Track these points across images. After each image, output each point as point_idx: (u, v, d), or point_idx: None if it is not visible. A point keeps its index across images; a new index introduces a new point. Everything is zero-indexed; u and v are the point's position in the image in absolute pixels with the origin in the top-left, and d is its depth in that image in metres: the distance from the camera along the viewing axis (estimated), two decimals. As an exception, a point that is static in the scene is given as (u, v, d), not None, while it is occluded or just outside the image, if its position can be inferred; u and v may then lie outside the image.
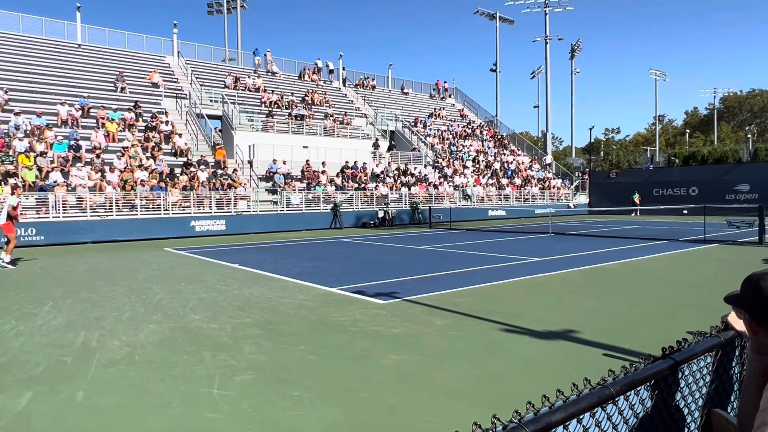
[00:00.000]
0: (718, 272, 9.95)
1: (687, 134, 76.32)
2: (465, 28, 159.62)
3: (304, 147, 27.75)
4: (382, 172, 29.38)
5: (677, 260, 11.54)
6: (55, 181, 18.69)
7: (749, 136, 57.91)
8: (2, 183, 17.64)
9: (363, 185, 27.07)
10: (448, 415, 3.58)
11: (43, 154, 19.70)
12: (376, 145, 31.86)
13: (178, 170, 22.18)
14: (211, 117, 28.22)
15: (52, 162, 19.77)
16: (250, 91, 32.28)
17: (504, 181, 34.53)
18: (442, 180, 31.48)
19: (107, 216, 18.62)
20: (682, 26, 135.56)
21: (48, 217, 17.62)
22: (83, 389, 4.16)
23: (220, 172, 23.38)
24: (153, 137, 23.89)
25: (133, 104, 25.63)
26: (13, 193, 11.81)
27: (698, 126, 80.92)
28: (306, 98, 33.67)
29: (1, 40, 27.65)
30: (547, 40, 52.34)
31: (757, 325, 1.46)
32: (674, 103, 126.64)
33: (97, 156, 20.97)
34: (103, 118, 23.47)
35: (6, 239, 11.45)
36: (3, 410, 3.77)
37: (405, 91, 44.06)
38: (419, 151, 34.33)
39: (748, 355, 1.57)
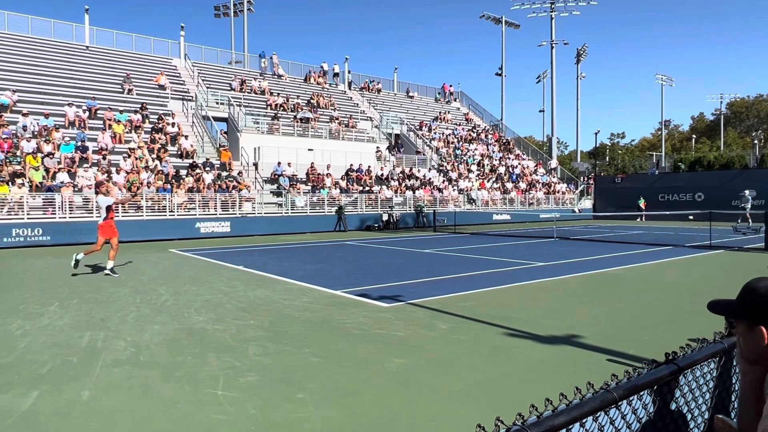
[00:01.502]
0: (724, 279, 9.90)
1: (693, 139, 76.01)
2: (471, 32, 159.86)
3: (309, 150, 27.83)
4: (387, 176, 29.41)
5: (682, 266, 11.50)
6: (61, 182, 18.81)
7: (756, 141, 57.60)
8: (9, 183, 17.78)
9: (368, 188, 27.10)
10: (451, 419, 3.58)
11: (50, 154, 19.84)
12: (390, 148, 31.94)
13: (183, 172, 22.28)
14: (217, 119, 28.36)
15: (59, 163, 19.90)
16: (256, 93, 32.41)
17: (509, 185, 34.49)
18: (446, 183, 31.48)
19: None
20: (689, 31, 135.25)
21: (54, 218, 17.73)
22: (88, 389, 4.19)
23: (225, 174, 23.47)
24: (159, 139, 24.02)
25: (139, 106, 25.79)
26: (106, 194, 10.36)
27: (704, 131, 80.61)
28: (311, 101, 33.77)
29: (11, 41, 27.91)
30: (553, 45, 52.31)
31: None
32: (680, 109, 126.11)
33: (104, 157, 21.09)
34: (110, 120, 23.62)
35: (101, 243, 10.27)
36: (9, 409, 3.80)
37: (410, 94, 44.12)
38: (424, 154, 34.34)
39: (741, 366, 1.52)
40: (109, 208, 10.23)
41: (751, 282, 1.46)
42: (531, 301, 7.64)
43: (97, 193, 10.25)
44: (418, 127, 37.68)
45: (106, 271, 10.27)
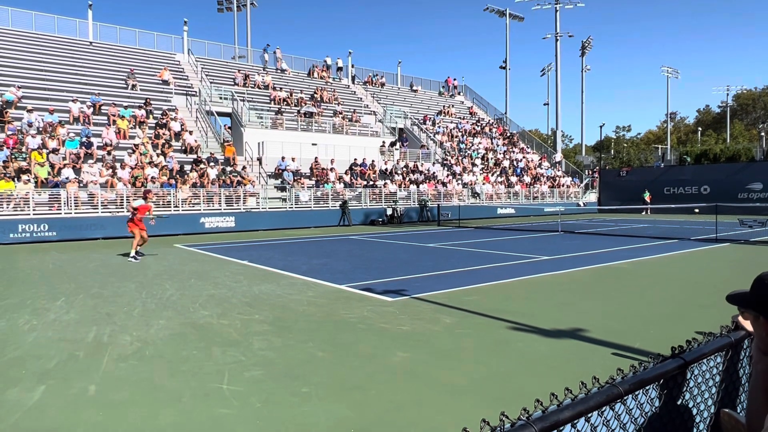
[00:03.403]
0: (730, 272, 9.86)
1: (699, 132, 75.51)
2: (474, 25, 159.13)
3: (312, 144, 27.81)
4: (391, 170, 29.37)
5: (688, 259, 11.45)
6: (67, 178, 18.88)
7: (762, 134, 57.17)
8: (15, 179, 17.86)
9: (372, 183, 27.08)
10: (455, 413, 3.59)
11: (55, 150, 19.91)
12: (392, 144, 31.89)
13: (187, 167, 22.32)
14: (220, 114, 28.36)
15: (64, 159, 19.97)
16: (260, 88, 32.38)
17: (513, 179, 34.39)
18: (450, 178, 31.41)
19: (118, 212, 18.79)
20: (695, 23, 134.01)
21: (60, 213, 17.82)
22: (95, 383, 4.22)
23: (229, 169, 23.50)
24: (163, 134, 24.06)
25: (143, 101, 25.82)
26: (146, 198, 13.22)
27: (710, 124, 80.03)
28: (315, 96, 33.71)
29: (15, 37, 27.97)
30: (558, 37, 51.97)
31: None
32: (686, 101, 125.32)
33: (109, 153, 21.15)
34: (114, 115, 23.66)
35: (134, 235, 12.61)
36: (17, 403, 3.83)
37: (414, 88, 43.96)
38: (428, 148, 34.27)
39: (754, 355, 1.55)
40: (135, 209, 12.69)
41: (763, 273, 1.48)
42: (536, 295, 7.63)
43: (145, 198, 13.27)
44: (422, 121, 37.58)
45: (129, 258, 12.35)
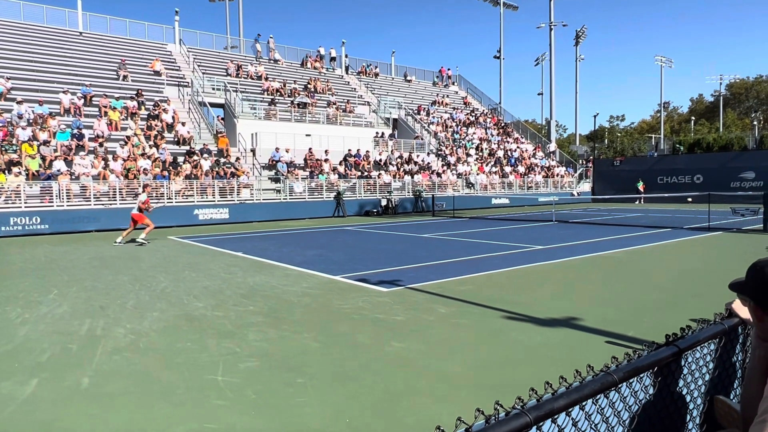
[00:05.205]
0: (723, 260, 9.93)
1: (692, 121, 75.73)
2: (468, 15, 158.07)
3: (306, 135, 27.67)
4: (385, 161, 29.31)
5: (681, 248, 11.52)
6: (58, 170, 18.71)
7: (755, 123, 57.42)
8: (6, 172, 17.68)
9: (366, 173, 27.02)
10: (450, 403, 3.60)
11: (46, 142, 19.71)
12: (382, 135, 31.78)
13: (181, 159, 22.18)
14: (213, 105, 28.13)
15: (55, 151, 19.78)
16: (253, 79, 32.14)
17: (507, 169, 34.41)
18: (445, 168, 31.39)
19: (111, 204, 18.67)
20: (689, 12, 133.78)
21: (52, 206, 17.67)
22: (89, 376, 4.20)
23: (222, 160, 23.37)
24: (155, 126, 23.86)
25: (135, 93, 25.55)
26: (144, 191, 14.66)
27: (704, 113, 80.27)
28: (308, 86, 33.50)
29: (3, 28, 27.55)
30: (552, 27, 51.78)
31: (763, 312, 1.45)
32: (680, 90, 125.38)
33: (100, 145, 20.96)
34: (105, 107, 23.42)
35: (141, 226, 14.19)
36: (9, 397, 3.81)
37: (408, 78, 43.77)
38: (422, 139, 34.19)
39: (753, 342, 1.56)
40: (144, 202, 14.10)
41: (756, 261, 1.49)
42: (530, 285, 7.65)
43: (144, 191, 14.86)
44: (416, 112, 37.46)
45: (139, 241, 13.85)
